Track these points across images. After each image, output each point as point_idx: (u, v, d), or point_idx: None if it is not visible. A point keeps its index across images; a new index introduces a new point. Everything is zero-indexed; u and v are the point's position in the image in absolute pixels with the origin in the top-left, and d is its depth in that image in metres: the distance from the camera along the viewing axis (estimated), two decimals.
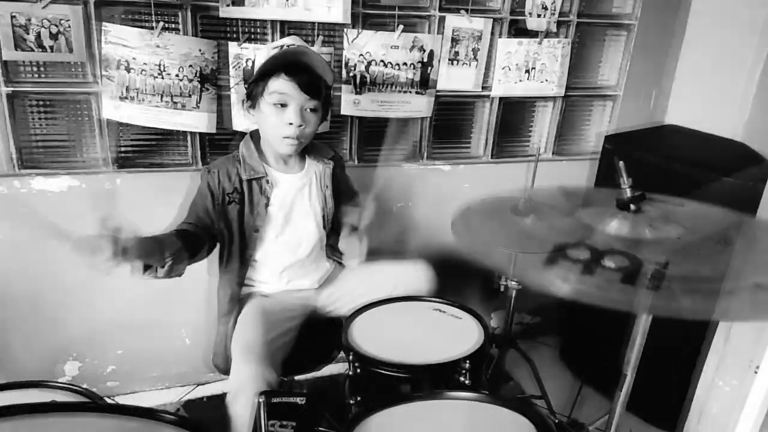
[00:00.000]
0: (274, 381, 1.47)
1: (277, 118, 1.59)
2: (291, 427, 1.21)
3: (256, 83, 1.59)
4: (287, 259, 1.77)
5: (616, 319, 2.23)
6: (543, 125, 2.44)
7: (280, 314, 1.70)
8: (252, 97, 1.62)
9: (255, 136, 1.74)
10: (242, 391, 1.42)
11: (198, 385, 2.34)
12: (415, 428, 1.12)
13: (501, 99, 2.30)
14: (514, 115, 2.39)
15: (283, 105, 1.58)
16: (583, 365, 2.51)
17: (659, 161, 2.14)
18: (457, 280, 2.48)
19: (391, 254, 2.16)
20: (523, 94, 2.30)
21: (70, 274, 2.05)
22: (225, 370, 1.68)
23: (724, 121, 2.35)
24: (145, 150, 2.05)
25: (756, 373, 1.11)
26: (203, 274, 2.17)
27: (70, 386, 1.38)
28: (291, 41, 1.64)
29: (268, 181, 1.68)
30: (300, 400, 1.25)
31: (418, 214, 2.35)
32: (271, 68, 1.56)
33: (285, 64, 1.56)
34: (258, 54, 1.64)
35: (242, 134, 2.03)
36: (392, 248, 2.36)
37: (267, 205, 1.69)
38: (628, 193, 0.97)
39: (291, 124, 1.58)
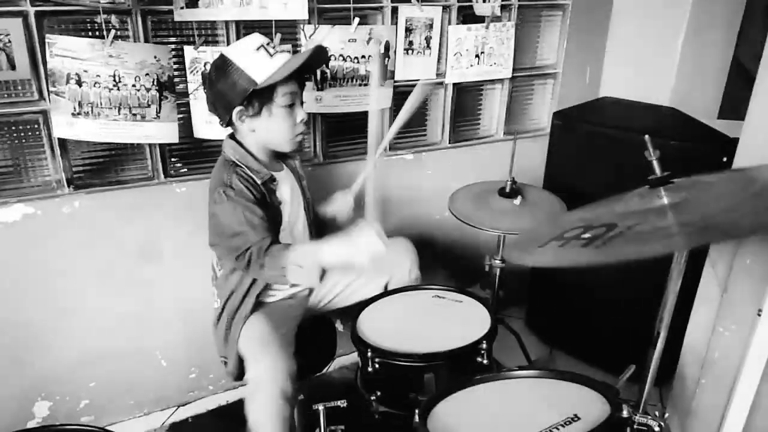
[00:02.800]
0: (293, 370, 1.46)
1: (289, 119, 1.59)
2: (341, 429, 1.21)
3: (261, 91, 1.52)
4: None
5: (577, 283, 2.38)
6: (493, 107, 2.53)
7: (283, 313, 1.69)
8: (259, 105, 1.55)
9: (234, 139, 1.66)
10: (263, 384, 1.42)
11: (179, 406, 2.25)
12: (485, 411, 1.15)
13: (455, 85, 2.35)
14: (466, 100, 2.46)
15: (291, 105, 1.58)
16: (550, 331, 2.65)
17: (606, 132, 2.29)
18: (433, 263, 2.54)
19: None
20: (475, 79, 2.36)
21: (30, 310, 1.91)
22: (238, 377, 1.68)
23: (654, 89, 2.53)
24: (100, 168, 1.92)
25: (759, 315, 1.23)
26: (169, 293, 2.09)
27: (84, 427, 1.29)
28: (259, 39, 1.56)
29: (274, 180, 1.64)
30: (341, 404, 1.25)
31: (388, 204, 2.36)
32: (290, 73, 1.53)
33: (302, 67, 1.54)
34: (243, 58, 1.52)
35: (203, 141, 1.97)
36: None
37: (280, 204, 1.66)
38: (656, 165, 1.03)
39: (301, 120, 1.61)
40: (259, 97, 1.54)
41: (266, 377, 1.44)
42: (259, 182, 1.59)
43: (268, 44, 1.55)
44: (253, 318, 1.65)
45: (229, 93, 1.55)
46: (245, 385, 1.51)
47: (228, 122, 1.61)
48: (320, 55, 1.63)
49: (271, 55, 1.52)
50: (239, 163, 1.60)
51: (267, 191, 1.62)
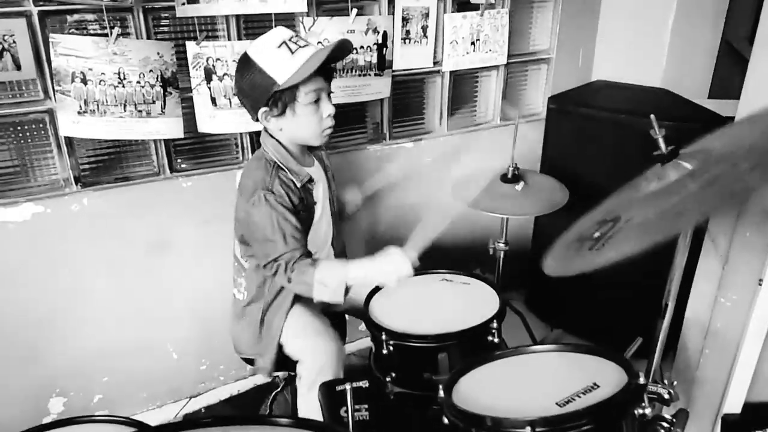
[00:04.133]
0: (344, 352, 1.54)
1: (315, 115, 1.54)
2: (365, 408, 1.25)
3: (284, 91, 1.49)
4: (324, 250, 1.77)
5: None
6: (489, 94, 2.56)
7: (316, 309, 1.71)
8: (282, 105, 1.51)
9: (274, 138, 1.61)
10: (324, 369, 1.48)
11: (191, 397, 2.28)
12: (507, 383, 1.19)
13: (451, 72, 2.38)
14: (463, 87, 2.49)
15: (317, 100, 1.54)
16: (551, 311, 2.70)
17: (601, 114, 2.34)
18: (436, 249, 2.58)
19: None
20: (471, 66, 2.39)
21: (42, 308, 1.93)
22: (269, 366, 1.69)
23: (645, 71, 2.58)
24: (107, 165, 1.94)
25: (760, 285, 1.29)
26: (179, 287, 2.12)
27: (110, 417, 1.32)
28: (281, 35, 1.50)
29: (312, 180, 1.62)
30: (364, 384, 1.29)
31: (390, 192, 2.39)
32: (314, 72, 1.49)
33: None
34: (263, 57, 1.48)
35: (206, 135, 1.99)
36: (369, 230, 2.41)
37: (315, 204, 1.65)
38: (661, 142, 1.08)
39: (329, 114, 1.56)
40: (282, 97, 1.50)
41: (330, 362, 1.50)
42: (299, 185, 1.57)
43: (291, 39, 1.49)
44: (294, 311, 1.67)
45: (252, 93, 1.52)
46: (256, 374, 1.51)
47: (257, 119, 1.58)
48: (344, 47, 1.56)
49: (293, 52, 1.47)
50: (282, 166, 1.56)
51: (305, 193, 1.60)
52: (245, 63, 1.51)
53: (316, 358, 1.51)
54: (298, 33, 1.56)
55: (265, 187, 1.52)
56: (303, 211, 1.59)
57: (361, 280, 1.54)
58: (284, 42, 1.48)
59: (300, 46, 1.49)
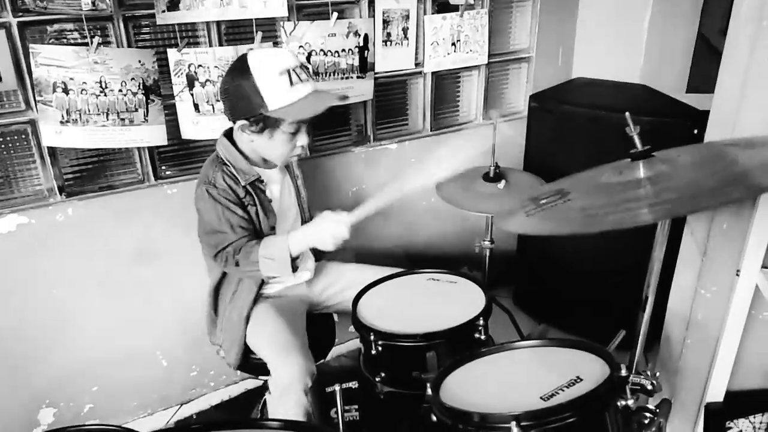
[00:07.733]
0: (315, 372, 1.51)
1: (289, 143, 1.60)
2: (355, 409, 1.27)
3: (268, 117, 1.52)
4: None
5: (561, 259, 2.47)
6: (471, 93, 2.59)
7: (291, 312, 1.72)
8: (262, 126, 1.54)
9: (229, 137, 1.67)
10: (291, 387, 1.46)
11: (182, 404, 2.28)
12: (493, 379, 1.21)
13: (433, 73, 2.40)
14: (445, 88, 2.51)
15: (295, 131, 1.58)
16: (538, 307, 2.73)
17: (581, 111, 2.37)
18: (423, 249, 2.61)
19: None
20: (452, 67, 2.42)
21: (29, 318, 1.93)
22: (239, 367, 1.76)
23: (624, 67, 2.61)
24: (91, 174, 1.94)
25: (738, 276, 1.32)
26: (166, 294, 2.12)
27: (101, 427, 1.32)
28: (287, 62, 1.51)
29: (262, 181, 1.67)
30: (353, 385, 1.31)
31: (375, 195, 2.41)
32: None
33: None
34: (263, 77, 1.49)
35: (190, 142, 2.00)
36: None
37: (270, 201, 1.69)
38: (637, 139, 1.10)
39: (301, 145, 1.62)
40: (266, 120, 1.53)
41: (295, 380, 1.48)
42: (243, 183, 1.61)
43: (295, 69, 1.51)
44: (267, 321, 1.68)
45: (238, 104, 1.54)
46: (246, 378, 1.52)
47: (232, 120, 1.61)
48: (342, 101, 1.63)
49: (292, 84, 1.49)
50: (227, 162, 1.62)
51: (254, 190, 1.64)
52: (241, 68, 1.52)
53: (279, 377, 1.50)
54: (302, 64, 1.56)
55: (208, 181, 1.60)
56: (252, 205, 1.64)
57: (301, 246, 1.61)
58: (288, 71, 1.49)
59: (301, 80, 1.52)
